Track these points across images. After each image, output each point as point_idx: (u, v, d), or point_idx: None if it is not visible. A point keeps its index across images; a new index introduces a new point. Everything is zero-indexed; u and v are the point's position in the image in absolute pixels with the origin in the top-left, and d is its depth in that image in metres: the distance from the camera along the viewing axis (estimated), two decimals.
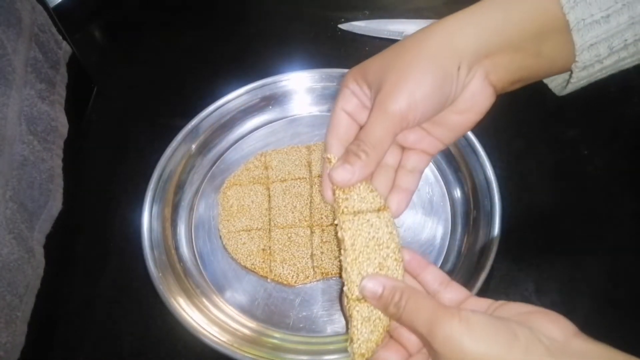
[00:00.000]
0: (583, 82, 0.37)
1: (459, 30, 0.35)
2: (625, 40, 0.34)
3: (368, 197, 0.37)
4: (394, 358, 0.34)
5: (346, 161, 0.35)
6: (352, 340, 0.35)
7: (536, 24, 0.34)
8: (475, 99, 0.36)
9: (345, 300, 0.36)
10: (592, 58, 0.34)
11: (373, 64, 0.37)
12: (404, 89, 0.34)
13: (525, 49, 0.35)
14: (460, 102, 0.36)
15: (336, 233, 0.38)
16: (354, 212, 0.37)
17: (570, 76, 0.36)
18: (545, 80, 0.39)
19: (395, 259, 0.36)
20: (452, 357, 0.29)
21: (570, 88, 0.38)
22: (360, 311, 0.35)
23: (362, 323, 0.35)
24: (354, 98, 0.38)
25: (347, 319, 0.36)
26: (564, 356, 0.28)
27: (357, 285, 0.35)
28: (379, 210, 0.37)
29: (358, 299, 0.35)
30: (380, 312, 0.35)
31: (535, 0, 0.34)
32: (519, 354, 0.28)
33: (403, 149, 0.40)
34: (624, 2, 0.33)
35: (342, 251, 0.37)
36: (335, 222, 0.38)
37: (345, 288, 0.36)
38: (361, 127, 0.38)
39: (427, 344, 0.31)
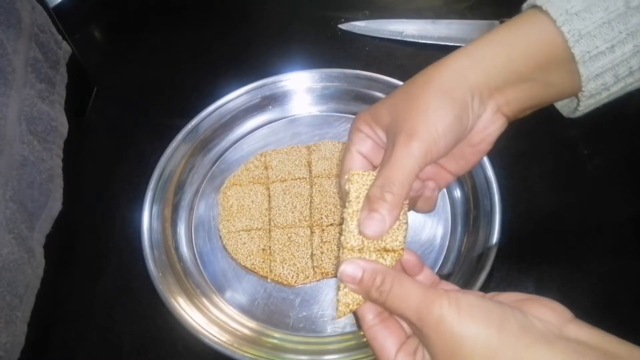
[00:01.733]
0: (591, 108, 0.37)
1: (469, 66, 0.35)
2: (631, 67, 0.34)
3: None
4: (391, 341, 0.33)
5: (372, 209, 0.34)
6: (339, 289, 0.34)
7: (542, 57, 0.34)
8: (488, 131, 0.37)
9: (340, 252, 0.35)
10: (599, 87, 0.35)
11: (384, 107, 0.37)
12: (425, 125, 0.34)
13: (534, 80, 0.35)
14: (473, 135, 0.37)
15: (343, 188, 0.37)
16: (364, 169, 0.37)
17: (578, 104, 0.37)
18: (556, 105, 0.39)
19: (398, 220, 0.35)
20: (443, 340, 0.29)
21: (579, 114, 0.38)
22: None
23: None
24: (368, 140, 0.38)
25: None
26: (558, 340, 0.28)
27: (354, 236, 0.35)
28: None
29: (352, 249, 0.35)
30: None
31: (540, 34, 0.34)
32: (511, 336, 0.28)
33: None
34: (628, 32, 0.33)
35: (346, 203, 0.36)
36: (346, 177, 0.37)
37: (341, 237, 0.35)
38: (375, 169, 0.38)
39: (416, 329, 0.31)
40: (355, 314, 0.35)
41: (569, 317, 0.30)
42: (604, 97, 0.36)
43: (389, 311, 0.33)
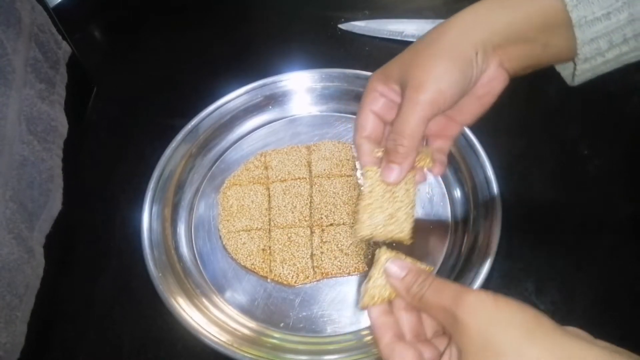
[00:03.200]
0: (589, 74, 0.39)
1: (473, 26, 0.37)
2: (625, 35, 0.36)
3: None
4: (411, 355, 0.34)
5: (389, 161, 0.39)
6: (368, 280, 0.36)
7: (542, 19, 0.36)
8: (492, 84, 0.39)
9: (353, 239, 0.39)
10: (593, 51, 0.37)
11: (395, 64, 0.40)
12: (432, 79, 0.37)
13: (534, 41, 0.37)
14: (478, 87, 0.39)
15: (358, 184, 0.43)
16: (378, 165, 0.41)
17: (575, 68, 0.39)
18: (558, 69, 0.41)
19: (406, 213, 0.40)
20: (478, 323, 0.29)
21: (578, 80, 0.40)
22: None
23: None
24: (381, 98, 0.41)
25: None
26: (595, 342, 0.29)
27: (366, 226, 0.39)
28: None
29: (362, 239, 0.40)
30: None
31: (541, 3, 0.36)
32: (548, 324, 0.28)
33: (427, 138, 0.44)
34: (625, 1, 0.35)
35: (359, 197, 0.41)
36: (359, 172, 0.42)
37: (355, 227, 0.40)
38: (387, 124, 0.42)
39: (449, 317, 0.31)
40: (373, 333, 0.36)
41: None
42: (599, 64, 0.38)
43: (421, 307, 0.34)
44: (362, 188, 0.41)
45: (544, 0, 0.36)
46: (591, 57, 0.37)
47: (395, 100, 0.40)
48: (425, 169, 0.42)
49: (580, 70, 0.39)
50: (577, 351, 0.28)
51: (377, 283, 0.36)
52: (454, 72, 0.37)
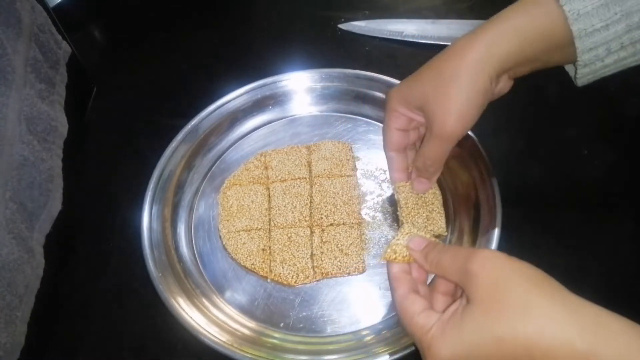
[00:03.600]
0: (590, 77, 0.42)
1: (487, 59, 0.40)
2: (622, 43, 0.38)
3: None
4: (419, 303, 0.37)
5: (421, 176, 0.50)
6: (395, 237, 0.43)
7: (547, 42, 0.40)
8: (498, 92, 0.44)
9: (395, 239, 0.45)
10: (592, 58, 0.40)
11: (415, 91, 0.45)
12: (455, 116, 0.42)
13: (538, 60, 0.42)
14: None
15: (394, 197, 0.54)
16: (407, 179, 0.52)
17: (576, 71, 0.42)
18: (567, 68, 0.44)
19: (439, 212, 0.52)
20: (489, 273, 0.32)
21: (581, 82, 0.43)
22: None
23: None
24: (402, 117, 0.47)
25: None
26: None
27: (407, 234, 0.45)
28: None
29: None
30: None
31: (546, 15, 0.39)
32: (557, 285, 0.32)
33: None
34: (623, 13, 0.37)
35: (398, 209, 0.52)
36: (392, 190, 0.54)
37: (398, 234, 0.45)
38: (408, 131, 0.49)
39: (462, 274, 0.34)
40: (390, 284, 0.41)
41: None
42: (599, 68, 0.40)
43: (438, 271, 0.37)
44: (398, 201, 0.52)
45: (547, 20, 0.39)
46: (590, 63, 0.40)
47: (414, 118, 0.47)
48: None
49: (581, 74, 0.41)
50: (581, 307, 0.30)
51: (400, 242, 0.42)
52: (475, 106, 0.41)
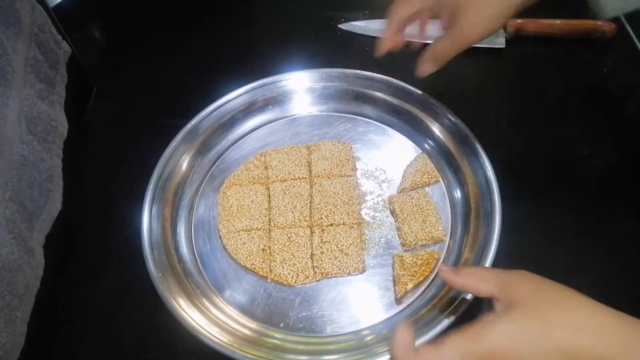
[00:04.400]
0: (617, 5, 0.44)
1: None
2: None
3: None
4: None
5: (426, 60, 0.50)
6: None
7: None
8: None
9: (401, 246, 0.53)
10: None
11: None
12: (482, 25, 0.44)
13: None
14: None
15: (390, 209, 0.56)
16: (399, 191, 0.57)
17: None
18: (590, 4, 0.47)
19: (434, 216, 0.54)
20: (532, 281, 0.36)
21: (610, 10, 0.45)
22: (405, 257, 0.52)
23: (402, 267, 0.51)
24: (416, 5, 0.49)
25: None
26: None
27: (409, 234, 0.53)
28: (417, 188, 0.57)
29: (409, 243, 0.53)
30: (420, 264, 0.51)
31: None
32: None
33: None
34: None
35: (394, 218, 0.55)
36: (387, 198, 0.57)
37: (400, 240, 0.54)
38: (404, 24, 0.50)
39: (502, 281, 0.36)
40: None
41: None
42: None
43: (472, 279, 0.38)
44: (393, 211, 0.55)
45: None
46: None
47: (422, 15, 0.49)
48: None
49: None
50: (609, 311, 0.34)
51: (404, 273, 0.50)
52: (505, 16, 0.44)
